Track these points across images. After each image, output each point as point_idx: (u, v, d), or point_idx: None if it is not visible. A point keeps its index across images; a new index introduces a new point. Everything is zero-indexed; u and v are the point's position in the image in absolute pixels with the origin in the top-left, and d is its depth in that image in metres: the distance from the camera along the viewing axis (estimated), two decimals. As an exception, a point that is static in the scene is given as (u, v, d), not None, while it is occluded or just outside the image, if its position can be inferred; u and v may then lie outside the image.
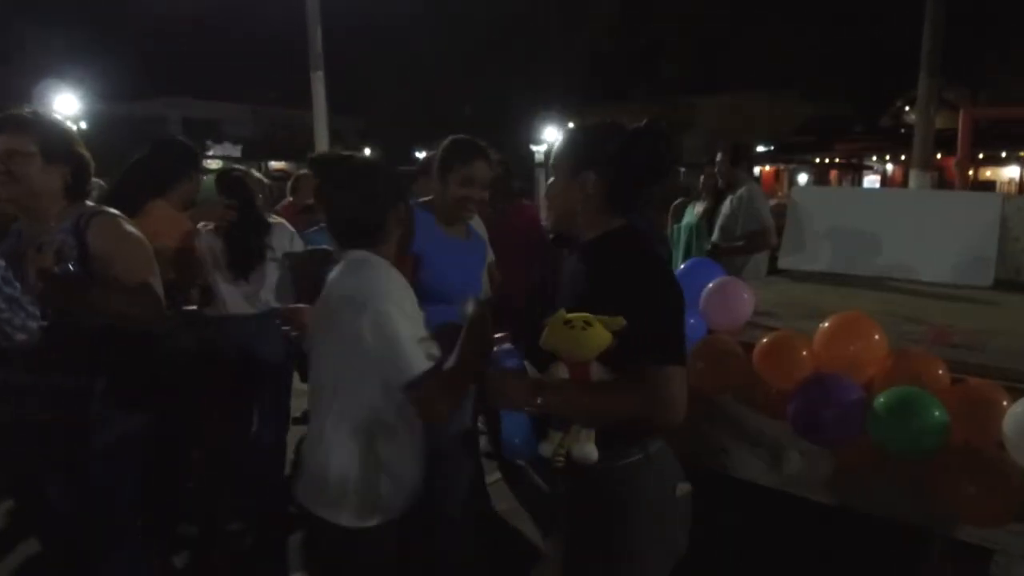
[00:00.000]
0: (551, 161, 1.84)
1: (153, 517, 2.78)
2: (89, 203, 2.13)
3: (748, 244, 4.58)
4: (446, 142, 2.57)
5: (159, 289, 2.09)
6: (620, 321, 1.56)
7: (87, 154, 2.10)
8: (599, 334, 1.57)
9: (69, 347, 1.96)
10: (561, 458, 1.66)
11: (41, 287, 1.85)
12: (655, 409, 1.59)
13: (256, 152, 28.82)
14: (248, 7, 17.79)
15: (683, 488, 1.76)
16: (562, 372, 1.65)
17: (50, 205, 2.03)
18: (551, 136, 27.27)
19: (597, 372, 1.63)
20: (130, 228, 2.10)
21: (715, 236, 4.76)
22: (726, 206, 4.73)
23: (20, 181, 1.96)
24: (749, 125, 22.78)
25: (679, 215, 5.70)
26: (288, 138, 29.94)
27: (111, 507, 2.08)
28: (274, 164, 28.68)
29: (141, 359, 2.05)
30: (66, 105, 18.41)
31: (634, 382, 1.59)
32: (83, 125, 19.08)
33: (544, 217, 1.88)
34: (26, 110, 2.03)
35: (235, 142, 28.65)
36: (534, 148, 24.17)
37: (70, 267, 1.93)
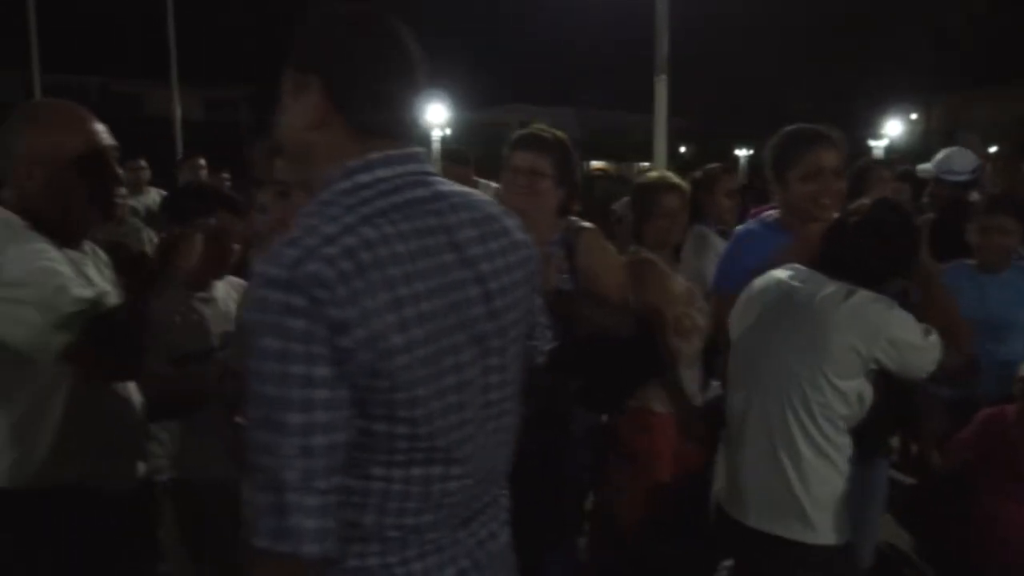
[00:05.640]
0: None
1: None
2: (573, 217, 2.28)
3: None
4: (776, 138, 2.23)
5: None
6: None
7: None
8: None
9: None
10: None
11: (550, 300, 1.80)
12: None
13: (580, 153, 30.91)
14: (594, 18, 18.95)
15: None
16: None
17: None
18: (894, 130, 24.78)
19: None
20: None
21: None
22: None
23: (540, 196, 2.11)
24: None
25: None
26: (611, 139, 31.53)
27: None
28: (594, 163, 30.52)
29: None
30: (435, 115, 21.20)
31: None
32: (448, 132, 21.91)
33: None
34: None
35: (563, 144, 30.98)
36: (872, 143, 22.19)
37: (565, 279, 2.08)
